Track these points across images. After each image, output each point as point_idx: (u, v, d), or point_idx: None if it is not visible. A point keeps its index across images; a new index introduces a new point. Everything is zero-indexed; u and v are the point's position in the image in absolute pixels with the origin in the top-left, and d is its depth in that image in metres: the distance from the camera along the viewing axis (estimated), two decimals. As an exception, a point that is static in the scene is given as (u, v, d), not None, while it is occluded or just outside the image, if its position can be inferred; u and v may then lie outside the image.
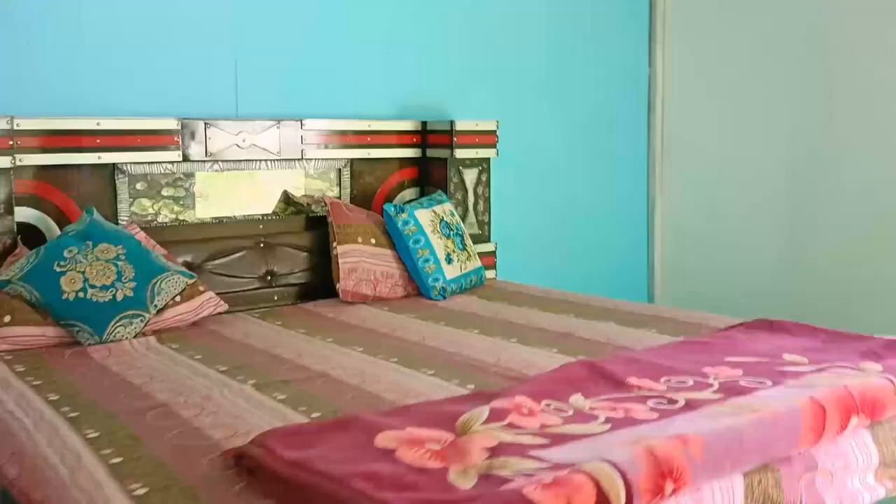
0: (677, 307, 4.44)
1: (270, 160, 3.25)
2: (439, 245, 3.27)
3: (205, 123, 3.07)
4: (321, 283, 3.23)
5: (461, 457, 1.35)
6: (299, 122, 3.29)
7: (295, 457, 1.34)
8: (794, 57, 3.94)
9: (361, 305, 3.08)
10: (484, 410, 1.56)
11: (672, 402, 1.69)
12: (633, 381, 1.82)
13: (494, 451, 1.38)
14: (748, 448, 1.44)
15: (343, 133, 3.42)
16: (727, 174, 4.26)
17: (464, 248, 3.39)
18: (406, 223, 3.26)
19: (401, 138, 3.59)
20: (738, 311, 4.10)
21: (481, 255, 3.60)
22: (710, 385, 1.80)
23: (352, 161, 3.47)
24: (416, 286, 3.25)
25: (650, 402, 1.69)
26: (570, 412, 1.62)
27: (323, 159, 3.40)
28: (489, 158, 3.69)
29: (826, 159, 3.87)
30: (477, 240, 3.64)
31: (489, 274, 3.67)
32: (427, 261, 3.22)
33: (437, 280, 3.21)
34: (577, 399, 1.70)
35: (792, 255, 4.02)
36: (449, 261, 3.28)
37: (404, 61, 3.67)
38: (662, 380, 1.85)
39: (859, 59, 3.73)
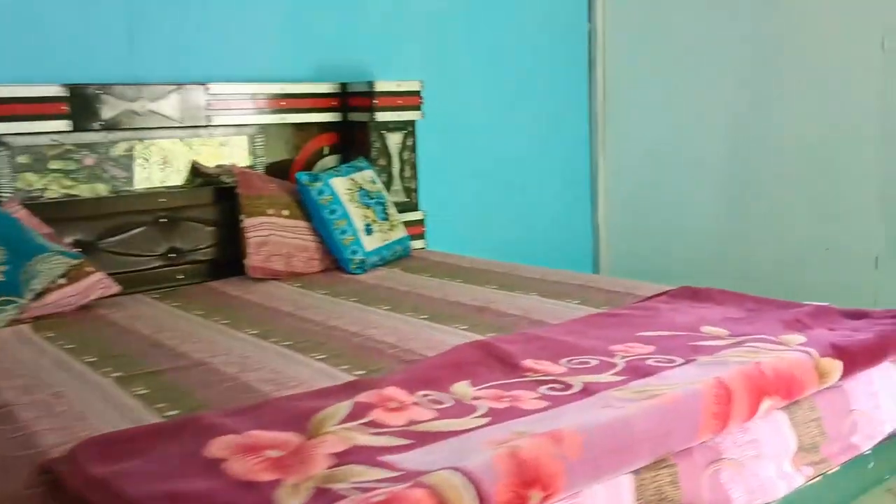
0: (621, 274, 4.30)
1: (172, 127, 3.00)
2: (357, 215, 3.06)
3: (96, 89, 2.82)
4: (232, 259, 3.00)
5: (301, 466, 1.16)
6: (204, 86, 3.05)
7: (103, 472, 1.14)
8: (741, 8, 3.75)
9: (272, 282, 2.87)
10: (344, 406, 1.36)
11: (567, 387, 1.50)
12: (528, 363, 1.63)
13: (342, 457, 1.19)
14: (639, 441, 1.26)
15: (254, 97, 3.18)
16: (674, 132, 4.08)
17: (386, 217, 3.18)
18: (321, 192, 3.04)
19: (319, 102, 3.35)
20: (686, 277, 3.95)
21: (408, 224, 3.39)
22: (615, 365, 1.62)
23: (265, 127, 3.24)
24: (335, 260, 3.04)
25: (542, 389, 1.50)
26: (449, 403, 1.43)
27: (232, 126, 3.16)
28: (414, 121, 3.46)
29: (771, 118, 3.71)
30: (404, 208, 3.43)
31: (418, 244, 3.47)
32: (344, 232, 3.01)
33: (355, 252, 3.00)
34: (460, 387, 1.51)
35: (738, 217, 3.87)
36: (369, 231, 3.07)
37: (321, 19, 3.42)
38: (563, 360, 1.67)
39: (807, 12, 3.54)
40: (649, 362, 1.64)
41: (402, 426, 1.31)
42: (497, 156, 4.02)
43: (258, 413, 1.38)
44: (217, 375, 1.84)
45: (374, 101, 3.30)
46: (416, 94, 3.42)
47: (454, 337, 2.07)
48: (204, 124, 3.07)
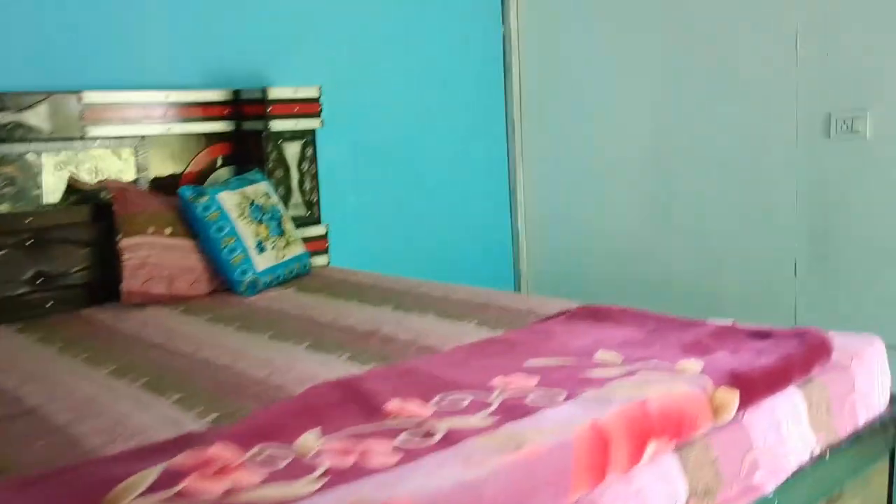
0: (542, 287, 4.15)
1: (41, 140, 2.74)
2: (248, 232, 2.84)
3: (-52, 100, 2.55)
4: (110, 283, 2.74)
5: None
6: (77, 95, 2.79)
7: None
8: (657, 14, 3.62)
9: (151, 308, 2.63)
10: (152, 473, 1.15)
11: (428, 435, 1.31)
12: (393, 405, 1.44)
13: (129, 544, 0.98)
14: (494, 507, 1.07)
15: (136, 106, 2.93)
16: (593, 139, 3.92)
17: (281, 233, 2.96)
18: (207, 208, 2.80)
19: (210, 110, 3.12)
20: (607, 288, 3.82)
21: (309, 240, 3.19)
22: (489, 405, 1.43)
23: (150, 139, 2.99)
24: (224, 281, 2.81)
25: (401, 437, 1.31)
26: (285, 462, 1.23)
27: (111, 138, 2.91)
28: (314, 130, 3.25)
29: (690, 123, 3.59)
30: (304, 223, 3.22)
31: (320, 260, 3.25)
32: (233, 251, 2.78)
33: (245, 273, 2.77)
34: (306, 439, 1.30)
35: (658, 223, 3.73)
36: (261, 249, 2.85)
37: (212, 20, 3.18)
38: (435, 399, 1.47)
39: (722, 19, 3.42)
40: (529, 399, 1.45)
41: (218, 497, 1.10)
42: (409, 165, 3.83)
43: (55, 483, 1.16)
44: (44, 427, 1.60)
45: (267, 110, 3.08)
46: (315, 100, 3.21)
47: (332, 369, 1.87)
48: (79, 136, 2.81)
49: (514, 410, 1.40)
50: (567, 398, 1.44)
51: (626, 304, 3.60)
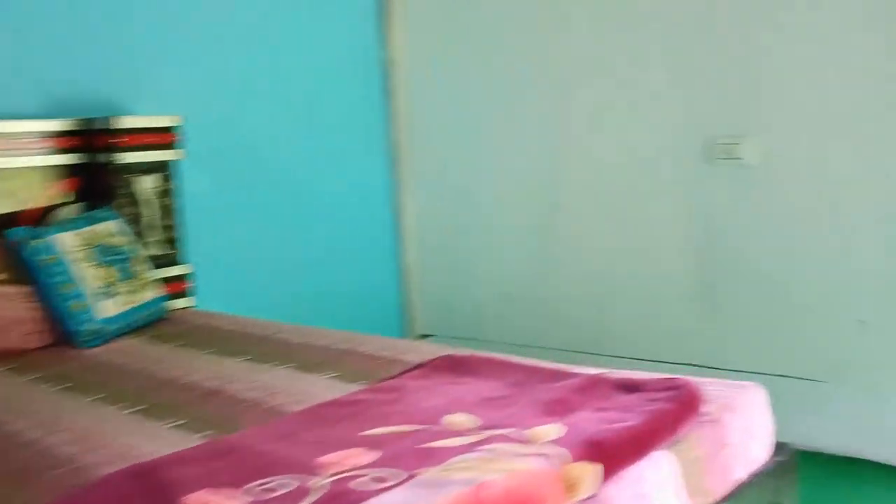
0: (432, 326, 3.97)
1: None
2: (91, 276, 2.56)
3: None
4: (-70, 338, 2.43)
5: None
6: None
7: None
8: (542, 31, 3.51)
9: (-27, 366, 2.32)
10: None
11: (225, 539, 1.09)
12: (194, 498, 1.21)
13: None
14: None
15: (-37, 138, 2.63)
16: (482, 165, 3.77)
17: (132, 276, 2.68)
18: (42, 251, 2.52)
19: (54, 142, 2.83)
20: (498, 325, 3.66)
21: (170, 280, 2.92)
22: (309, 492, 1.22)
23: (-18, 174, 2.69)
24: (64, 332, 2.52)
25: (192, 544, 1.08)
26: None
27: (-66, 174, 2.59)
28: (174, 161, 2.99)
29: (579, 153, 3.48)
30: (163, 262, 2.95)
31: (182, 303, 2.98)
32: (72, 298, 2.50)
33: (86, 322, 2.49)
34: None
35: (548, 256, 3.60)
36: (107, 295, 2.57)
37: (56, 41, 2.89)
38: (248, 487, 1.26)
39: (602, 41, 3.34)
40: (359, 482, 1.25)
41: None
42: (285, 198, 3.60)
43: None
44: None
45: (113, 140, 2.81)
46: (171, 130, 2.96)
47: (152, 443, 1.63)
48: None
49: (336, 500, 1.19)
50: (403, 480, 1.24)
51: (517, 342, 3.47)
